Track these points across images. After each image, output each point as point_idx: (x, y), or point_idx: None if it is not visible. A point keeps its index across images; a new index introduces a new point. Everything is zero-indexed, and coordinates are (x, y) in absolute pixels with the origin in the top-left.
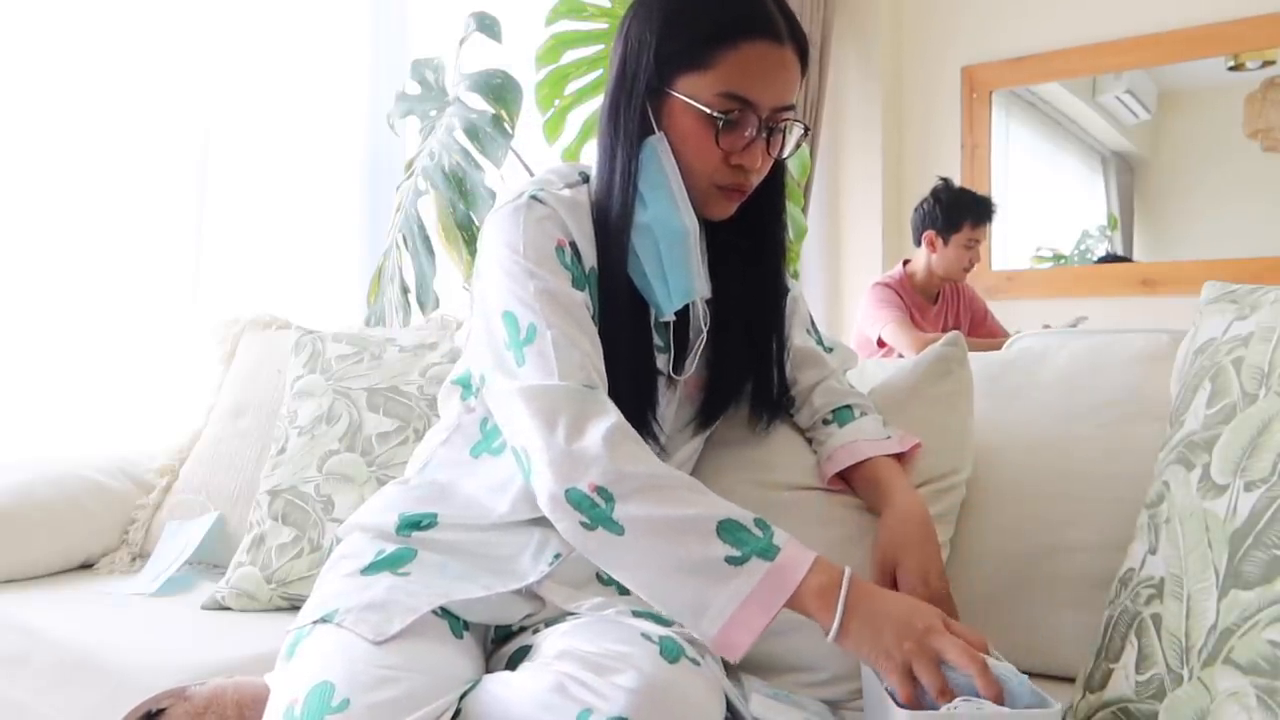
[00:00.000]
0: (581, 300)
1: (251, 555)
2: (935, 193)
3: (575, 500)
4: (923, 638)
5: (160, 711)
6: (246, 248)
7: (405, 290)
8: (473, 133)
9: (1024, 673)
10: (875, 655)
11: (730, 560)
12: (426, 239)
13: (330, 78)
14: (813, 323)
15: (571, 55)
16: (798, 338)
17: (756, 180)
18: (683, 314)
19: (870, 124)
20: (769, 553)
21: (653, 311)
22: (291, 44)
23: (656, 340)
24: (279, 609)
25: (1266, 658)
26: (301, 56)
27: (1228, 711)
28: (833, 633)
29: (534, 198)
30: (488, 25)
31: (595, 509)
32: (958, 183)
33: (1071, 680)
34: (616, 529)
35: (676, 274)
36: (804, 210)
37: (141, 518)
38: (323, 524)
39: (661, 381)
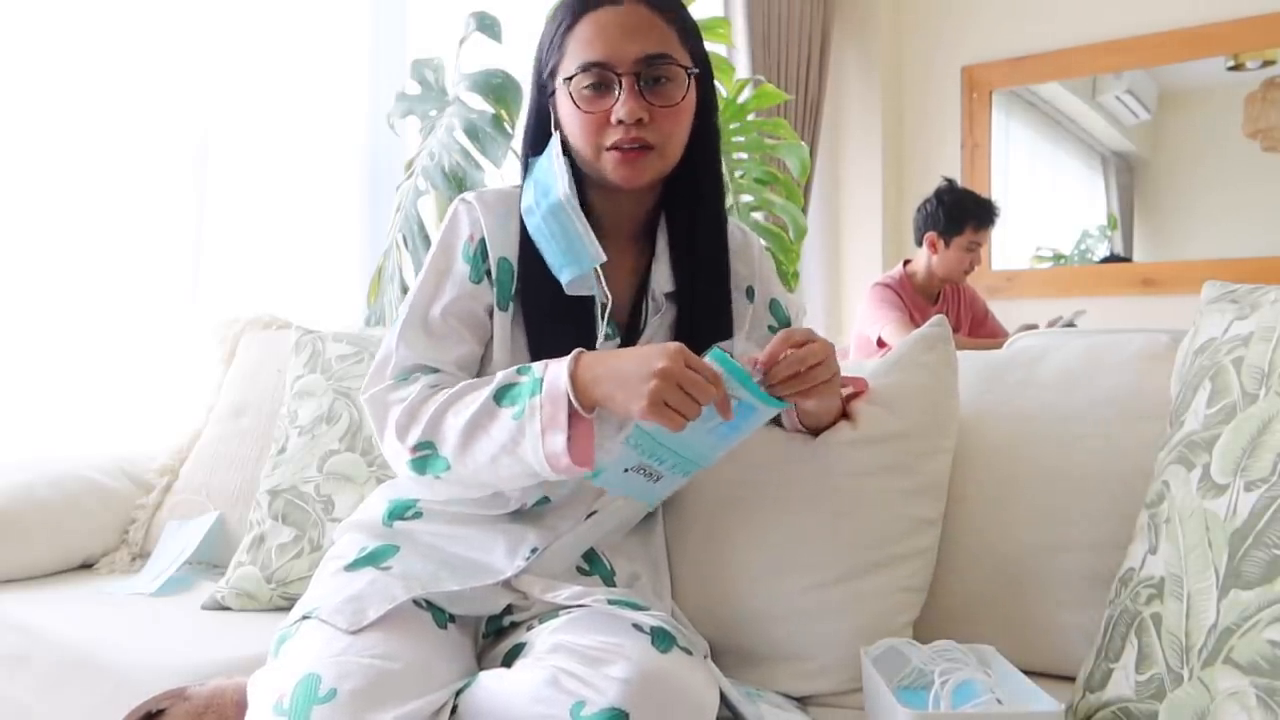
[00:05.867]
0: (450, 300)
1: (251, 555)
2: (939, 194)
3: (418, 466)
4: (663, 373)
5: (160, 712)
6: (246, 248)
7: (405, 290)
8: (473, 133)
9: (1024, 672)
10: (630, 401)
11: (515, 416)
12: (427, 239)
13: (330, 78)
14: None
15: None
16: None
17: (654, 135)
18: (636, 305)
19: (870, 124)
20: (535, 387)
21: (599, 303)
22: (291, 44)
23: (605, 329)
24: (279, 609)
25: (1266, 658)
26: (301, 56)
27: (1228, 711)
28: (597, 408)
29: (462, 199)
30: (488, 25)
31: (432, 459)
32: (959, 183)
33: (1071, 680)
34: (447, 463)
35: (571, 244)
36: (804, 210)
37: (141, 518)
38: (323, 524)
39: None
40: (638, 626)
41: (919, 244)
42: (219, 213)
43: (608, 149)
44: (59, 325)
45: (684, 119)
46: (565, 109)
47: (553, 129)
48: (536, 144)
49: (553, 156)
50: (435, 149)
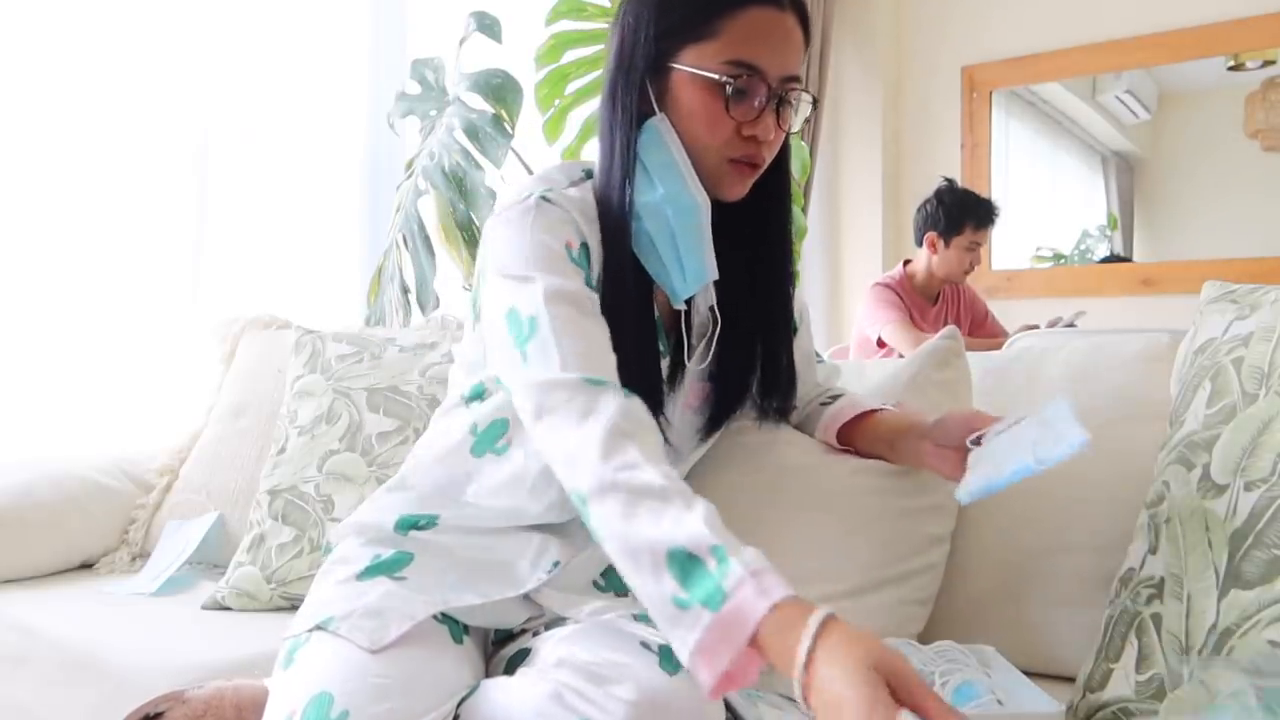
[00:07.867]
0: (591, 297)
1: (251, 555)
2: (938, 194)
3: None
4: None
5: (159, 715)
6: (246, 248)
7: (405, 290)
8: (473, 133)
9: (1024, 672)
10: None
11: (677, 603)
12: (427, 239)
13: (330, 78)
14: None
15: (571, 55)
16: (806, 343)
17: (769, 155)
18: (685, 310)
19: (870, 124)
20: (714, 600)
21: (655, 310)
22: (291, 44)
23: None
24: (279, 609)
25: (1266, 657)
26: (301, 56)
27: (1228, 711)
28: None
29: (543, 198)
30: (488, 25)
31: (586, 512)
32: (958, 183)
33: (1071, 680)
34: (601, 531)
35: (691, 255)
36: (804, 210)
37: (141, 518)
38: (323, 524)
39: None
40: (645, 644)
41: (919, 244)
42: (219, 213)
43: (730, 160)
44: (59, 325)
45: None
46: (697, 100)
47: (655, 108)
48: (625, 116)
49: (673, 150)
50: (435, 149)
